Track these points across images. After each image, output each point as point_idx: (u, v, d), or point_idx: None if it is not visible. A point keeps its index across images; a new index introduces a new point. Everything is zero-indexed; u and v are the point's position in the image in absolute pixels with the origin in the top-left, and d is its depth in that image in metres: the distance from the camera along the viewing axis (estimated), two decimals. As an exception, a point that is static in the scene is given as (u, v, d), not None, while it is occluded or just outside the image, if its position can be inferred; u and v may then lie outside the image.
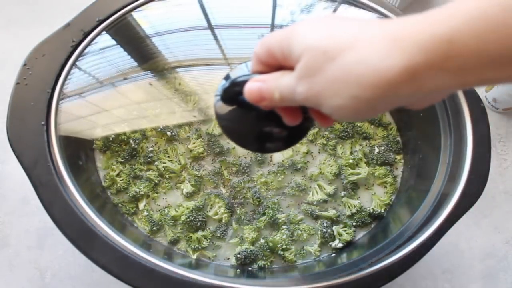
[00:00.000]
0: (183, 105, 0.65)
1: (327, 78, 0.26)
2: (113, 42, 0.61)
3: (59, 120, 0.55)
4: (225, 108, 0.36)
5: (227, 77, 0.36)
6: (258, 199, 0.61)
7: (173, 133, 0.65)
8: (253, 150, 0.39)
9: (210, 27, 0.64)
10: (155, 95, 0.65)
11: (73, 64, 0.56)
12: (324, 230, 0.60)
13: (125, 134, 0.64)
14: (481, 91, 0.88)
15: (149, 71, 0.65)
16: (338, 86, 0.26)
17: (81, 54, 0.57)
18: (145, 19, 0.62)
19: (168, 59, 0.66)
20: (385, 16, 0.60)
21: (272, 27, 0.65)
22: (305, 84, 0.27)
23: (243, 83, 0.32)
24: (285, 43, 0.28)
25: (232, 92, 0.34)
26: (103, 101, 0.63)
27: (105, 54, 0.61)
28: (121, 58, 0.63)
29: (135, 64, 0.65)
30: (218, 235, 0.60)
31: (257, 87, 0.31)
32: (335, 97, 0.26)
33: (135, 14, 0.60)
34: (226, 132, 0.38)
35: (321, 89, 0.27)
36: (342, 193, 0.63)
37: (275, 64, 0.31)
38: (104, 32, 0.58)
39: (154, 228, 0.60)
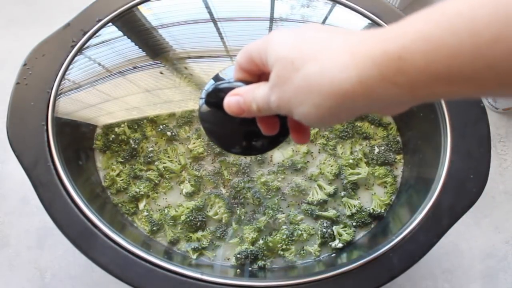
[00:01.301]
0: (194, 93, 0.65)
1: (293, 87, 0.28)
2: (116, 35, 0.62)
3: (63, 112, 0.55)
4: (208, 111, 0.37)
5: (216, 77, 0.37)
6: (258, 199, 0.61)
7: (173, 133, 0.65)
8: (233, 152, 0.41)
9: (213, 19, 0.64)
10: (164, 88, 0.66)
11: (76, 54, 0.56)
12: (324, 230, 0.60)
13: (125, 133, 0.64)
14: (481, 91, 0.88)
15: (155, 63, 0.65)
16: (303, 94, 0.28)
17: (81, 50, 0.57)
18: (149, 13, 0.62)
19: (173, 52, 0.65)
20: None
21: (272, 19, 0.65)
22: (277, 92, 0.29)
23: (225, 88, 0.34)
24: (263, 51, 0.30)
25: (215, 97, 0.36)
26: (109, 90, 0.63)
27: (107, 48, 0.61)
28: (123, 53, 0.63)
29: (141, 56, 0.65)
30: (218, 235, 0.60)
31: (235, 100, 0.33)
32: (301, 105, 0.28)
33: (137, 10, 0.60)
34: (208, 134, 0.40)
35: (290, 98, 0.29)
36: (342, 193, 0.63)
37: (256, 71, 0.33)
38: (107, 26, 0.58)
39: (154, 228, 0.60)
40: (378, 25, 0.62)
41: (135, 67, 0.63)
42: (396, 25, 0.25)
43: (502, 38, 0.21)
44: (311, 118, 0.29)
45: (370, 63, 0.25)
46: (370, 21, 0.62)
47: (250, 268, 0.58)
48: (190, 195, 0.63)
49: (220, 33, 0.64)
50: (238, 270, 0.58)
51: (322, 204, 0.62)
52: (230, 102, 0.34)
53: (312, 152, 0.66)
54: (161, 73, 0.64)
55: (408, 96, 0.25)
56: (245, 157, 0.64)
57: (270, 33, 0.31)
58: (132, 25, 0.63)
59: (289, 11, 0.66)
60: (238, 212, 0.61)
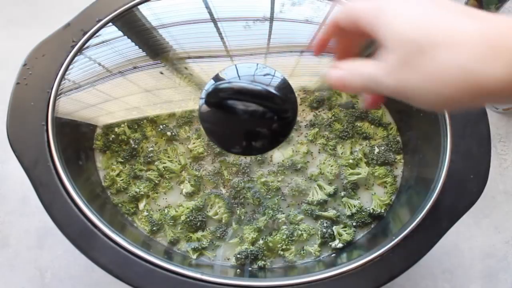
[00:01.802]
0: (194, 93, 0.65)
1: (420, 75, 0.26)
2: (116, 35, 0.62)
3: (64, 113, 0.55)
4: (208, 112, 0.37)
5: (216, 77, 0.37)
6: (258, 199, 0.61)
7: (173, 133, 0.65)
8: (233, 152, 0.41)
9: (213, 19, 0.64)
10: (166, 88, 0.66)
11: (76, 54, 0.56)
12: (324, 230, 0.60)
13: (125, 133, 0.64)
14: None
15: (155, 63, 0.65)
16: (432, 85, 0.25)
17: (82, 49, 0.57)
18: (150, 13, 0.62)
19: (174, 52, 0.65)
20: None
21: (272, 19, 0.65)
22: (396, 76, 0.27)
23: (225, 88, 0.34)
24: (374, 20, 0.28)
25: (215, 97, 0.36)
26: (109, 91, 0.63)
27: (107, 48, 0.61)
28: (124, 53, 0.63)
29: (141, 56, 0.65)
30: (218, 235, 0.60)
31: (339, 75, 0.31)
32: (427, 94, 0.26)
33: (137, 10, 0.60)
34: (208, 134, 0.39)
35: (413, 84, 0.26)
36: (342, 193, 0.63)
37: (354, 33, 0.30)
38: (107, 26, 0.58)
39: (154, 228, 0.60)
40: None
41: (135, 67, 0.63)
42: None
43: None
44: (433, 106, 0.27)
45: None
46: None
47: (250, 268, 0.58)
48: (190, 195, 0.63)
49: (220, 33, 0.64)
50: (238, 270, 0.58)
51: (322, 204, 0.62)
52: (333, 75, 0.31)
53: (312, 152, 0.66)
54: (161, 73, 0.64)
55: None
56: (245, 157, 0.64)
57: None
58: (132, 25, 0.63)
59: (289, 11, 0.66)
60: (238, 212, 0.61)
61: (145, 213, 0.62)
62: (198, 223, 0.60)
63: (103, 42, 0.60)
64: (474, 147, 0.55)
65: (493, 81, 0.23)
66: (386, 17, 0.27)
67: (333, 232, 0.60)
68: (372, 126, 0.68)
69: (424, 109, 0.28)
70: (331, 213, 0.61)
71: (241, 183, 0.62)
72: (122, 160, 0.64)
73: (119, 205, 0.62)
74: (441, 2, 0.27)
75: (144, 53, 0.65)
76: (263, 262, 0.58)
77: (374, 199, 0.63)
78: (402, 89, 0.27)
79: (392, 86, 0.28)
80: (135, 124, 0.65)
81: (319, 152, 0.66)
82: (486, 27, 0.25)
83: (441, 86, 0.25)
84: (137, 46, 0.64)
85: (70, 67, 0.57)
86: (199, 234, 0.60)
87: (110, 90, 0.63)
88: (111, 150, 0.64)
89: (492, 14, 0.25)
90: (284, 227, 0.61)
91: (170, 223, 0.61)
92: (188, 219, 0.60)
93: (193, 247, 0.59)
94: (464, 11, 0.26)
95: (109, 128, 0.65)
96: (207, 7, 0.64)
